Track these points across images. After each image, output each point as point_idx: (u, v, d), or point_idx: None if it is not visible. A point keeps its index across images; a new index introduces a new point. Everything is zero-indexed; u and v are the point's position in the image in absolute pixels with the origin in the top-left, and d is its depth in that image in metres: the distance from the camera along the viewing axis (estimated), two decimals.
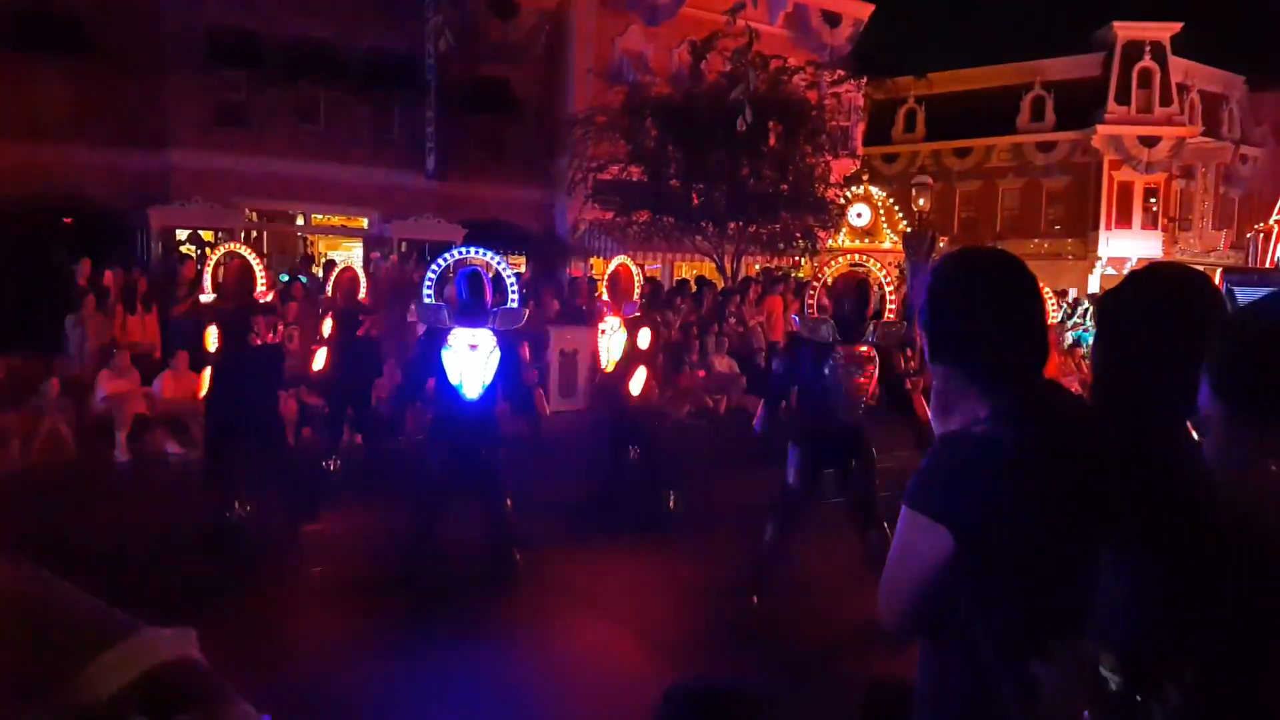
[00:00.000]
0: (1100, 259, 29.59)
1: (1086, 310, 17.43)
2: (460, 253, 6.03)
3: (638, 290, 7.48)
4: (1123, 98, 29.18)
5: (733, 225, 16.93)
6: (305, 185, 17.40)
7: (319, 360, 8.12)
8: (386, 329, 9.27)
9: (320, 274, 13.28)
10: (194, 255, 15.60)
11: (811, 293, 5.49)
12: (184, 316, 8.23)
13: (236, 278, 6.32)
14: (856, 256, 6.40)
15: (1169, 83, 29.15)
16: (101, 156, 15.29)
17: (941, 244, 18.36)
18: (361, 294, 8.40)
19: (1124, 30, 29.18)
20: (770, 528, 5.06)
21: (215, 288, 6.46)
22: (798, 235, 17.71)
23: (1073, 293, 21.79)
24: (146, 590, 5.37)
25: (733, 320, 13.97)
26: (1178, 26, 29.03)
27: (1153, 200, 30.17)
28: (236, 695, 0.72)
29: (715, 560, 5.91)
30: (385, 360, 9.03)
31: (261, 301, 6.41)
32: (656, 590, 5.55)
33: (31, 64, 14.76)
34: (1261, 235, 13.97)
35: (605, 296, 7.46)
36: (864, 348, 4.90)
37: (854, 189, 21.01)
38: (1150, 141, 29.22)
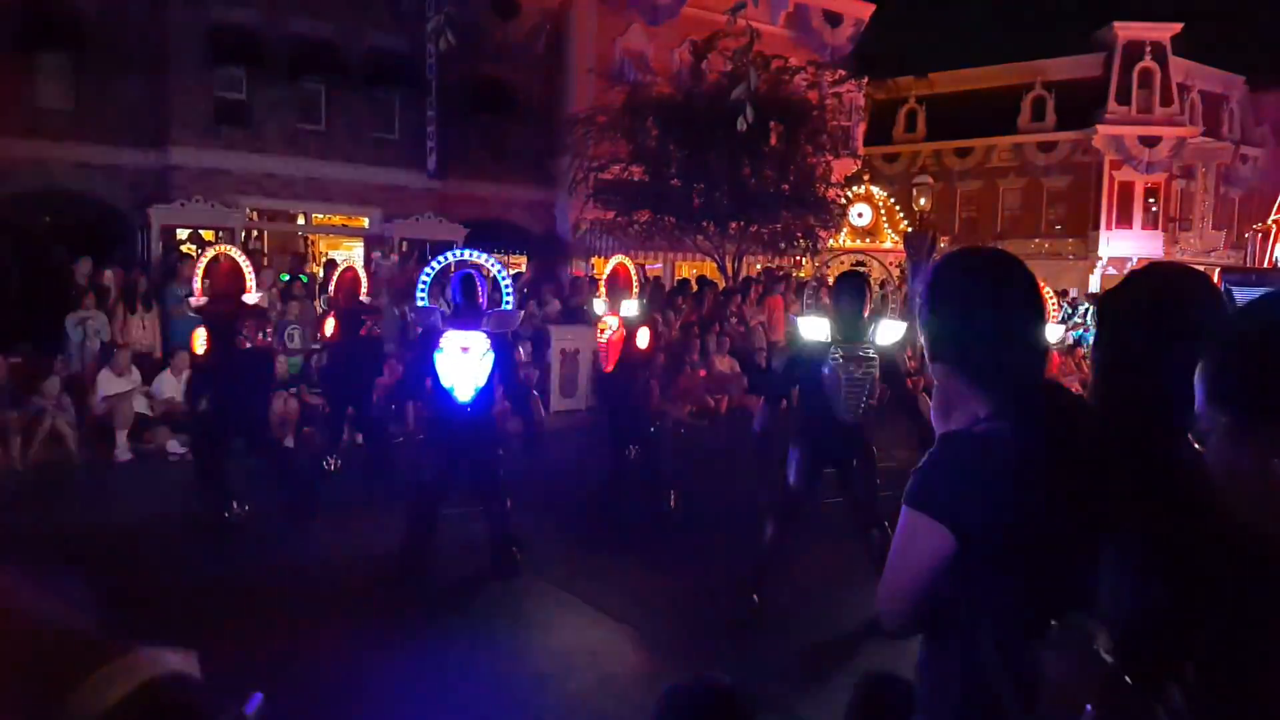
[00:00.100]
0: (1101, 259, 29.59)
1: (1087, 310, 17.44)
2: (455, 254, 6.02)
3: (636, 288, 7.49)
4: (1123, 98, 29.18)
5: (734, 225, 16.94)
6: (306, 184, 17.39)
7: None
8: (388, 328, 9.29)
9: (321, 273, 13.29)
10: (194, 254, 15.62)
11: (811, 292, 5.49)
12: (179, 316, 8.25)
13: (226, 280, 6.32)
14: (855, 260, 6.39)
15: (1169, 83, 29.14)
16: (102, 155, 15.28)
17: (942, 244, 18.37)
18: (363, 293, 8.41)
19: (1124, 30, 29.18)
20: (770, 527, 5.07)
21: (204, 289, 6.46)
22: (799, 235, 17.71)
23: (1073, 293, 21.79)
24: (147, 590, 5.38)
25: (734, 320, 13.98)
26: (1178, 27, 29.03)
27: (1153, 200, 30.17)
28: (233, 709, 0.73)
29: (715, 560, 5.91)
30: (386, 360, 9.03)
31: (251, 303, 6.41)
32: (656, 589, 5.55)
33: (32, 62, 14.76)
34: (1260, 235, 13.98)
35: (604, 295, 7.47)
36: (864, 347, 4.89)
37: (855, 189, 21.01)
38: (1151, 141, 29.22)
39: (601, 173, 16.60)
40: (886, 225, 23.40)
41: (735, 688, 2.03)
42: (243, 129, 16.58)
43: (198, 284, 6.51)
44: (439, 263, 5.77)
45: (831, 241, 20.98)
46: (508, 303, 5.56)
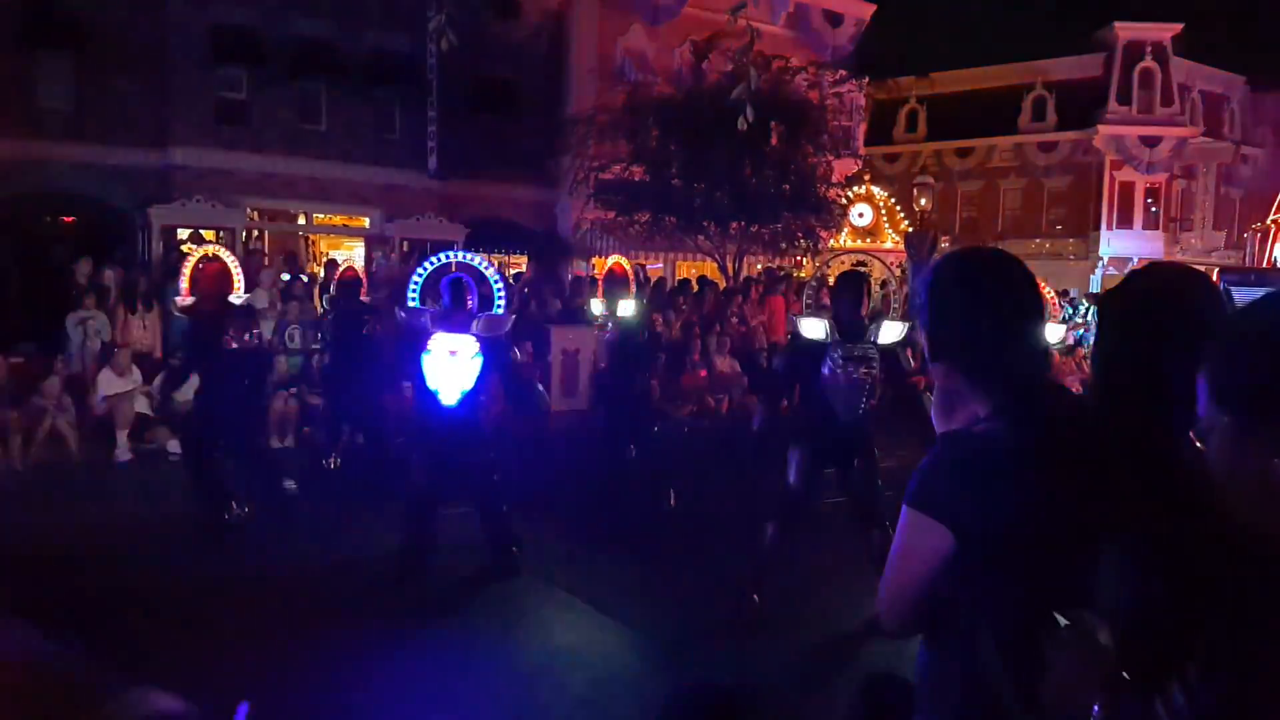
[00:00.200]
0: (1101, 259, 29.58)
1: (1087, 310, 17.43)
2: (447, 256, 5.97)
3: (634, 287, 7.50)
4: (1124, 98, 29.17)
5: (734, 225, 16.94)
6: (307, 184, 17.40)
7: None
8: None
9: (322, 273, 13.29)
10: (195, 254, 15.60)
11: (810, 292, 5.48)
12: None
13: (214, 281, 6.32)
14: (855, 262, 6.38)
15: (1170, 83, 29.13)
16: (102, 155, 15.28)
17: (943, 244, 18.38)
18: (363, 294, 8.42)
19: (1125, 31, 29.17)
20: (770, 527, 5.06)
21: (191, 290, 6.45)
22: (799, 235, 17.71)
23: (1074, 293, 21.77)
24: (146, 589, 5.39)
25: (735, 320, 13.98)
26: (1179, 27, 29.02)
27: (1154, 201, 30.15)
28: None
29: (716, 560, 5.91)
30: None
31: (237, 304, 6.40)
32: (657, 589, 5.55)
33: (33, 62, 14.76)
34: (1259, 235, 13.99)
35: (600, 295, 7.48)
36: (864, 347, 4.89)
37: (856, 189, 21.00)
38: (1151, 142, 29.20)
39: (602, 173, 16.60)
40: (887, 225, 23.40)
41: (736, 694, 2.04)
42: (243, 129, 16.58)
43: (184, 284, 6.50)
44: (431, 263, 5.73)
45: (832, 242, 20.97)
46: (499, 306, 5.54)
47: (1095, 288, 27.92)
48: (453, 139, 18.42)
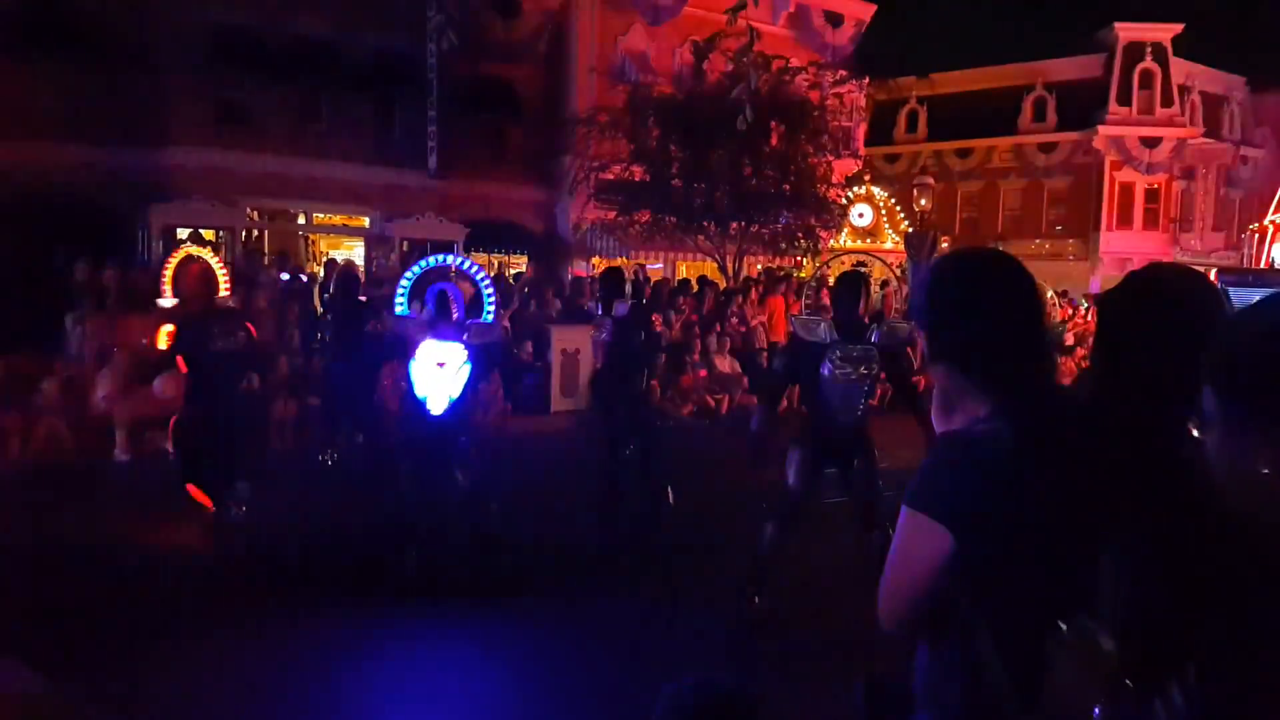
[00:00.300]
0: (1101, 260, 29.58)
1: (1087, 310, 17.44)
2: (436, 261, 5.87)
3: (629, 287, 7.49)
4: (1124, 99, 29.17)
5: (735, 225, 16.94)
6: (306, 184, 17.39)
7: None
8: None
9: (321, 273, 13.29)
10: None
11: (810, 293, 5.49)
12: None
13: (197, 282, 6.30)
14: (854, 264, 6.37)
15: (1170, 84, 29.13)
16: (102, 155, 15.27)
17: (943, 244, 18.38)
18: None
19: (1125, 31, 29.17)
20: (770, 527, 5.05)
21: (174, 292, 6.44)
22: (799, 235, 17.71)
23: (1073, 293, 21.77)
24: (144, 589, 5.39)
25: (735, 320, 13.99)
26: (1179, 28, 29.02)
27: (1154, 201, 30.15)
28: None
29: (715, 560, 5.90)
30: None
31: (222, 305, 6.39)
32: (656, 589, 5.54)
33: (32, 62, 14.75)
34: (1256, 235, 14.01)
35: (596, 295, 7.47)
36: (864, 348, 4.88)
37: (856, 189, 21.01)
38: (1151, 142, 29.20)
39: (602, 173, 16.60)
40: (887, 226, 23.40)
41: (738, 689, 2.03)
42: (243, 128, 16.57)
43: (166, 287, 6.48)
44: (419, 268, 5.65)
45: (832, 242, 20.97)
46: (489, 313, 5.50)
47: (1095, 288, 27.92)
48: (452, 139, 18.41)
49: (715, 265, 17.92)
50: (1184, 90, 29.56)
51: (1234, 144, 32.10)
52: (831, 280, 5.58)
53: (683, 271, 19.76)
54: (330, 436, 8.45)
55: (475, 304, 5.74)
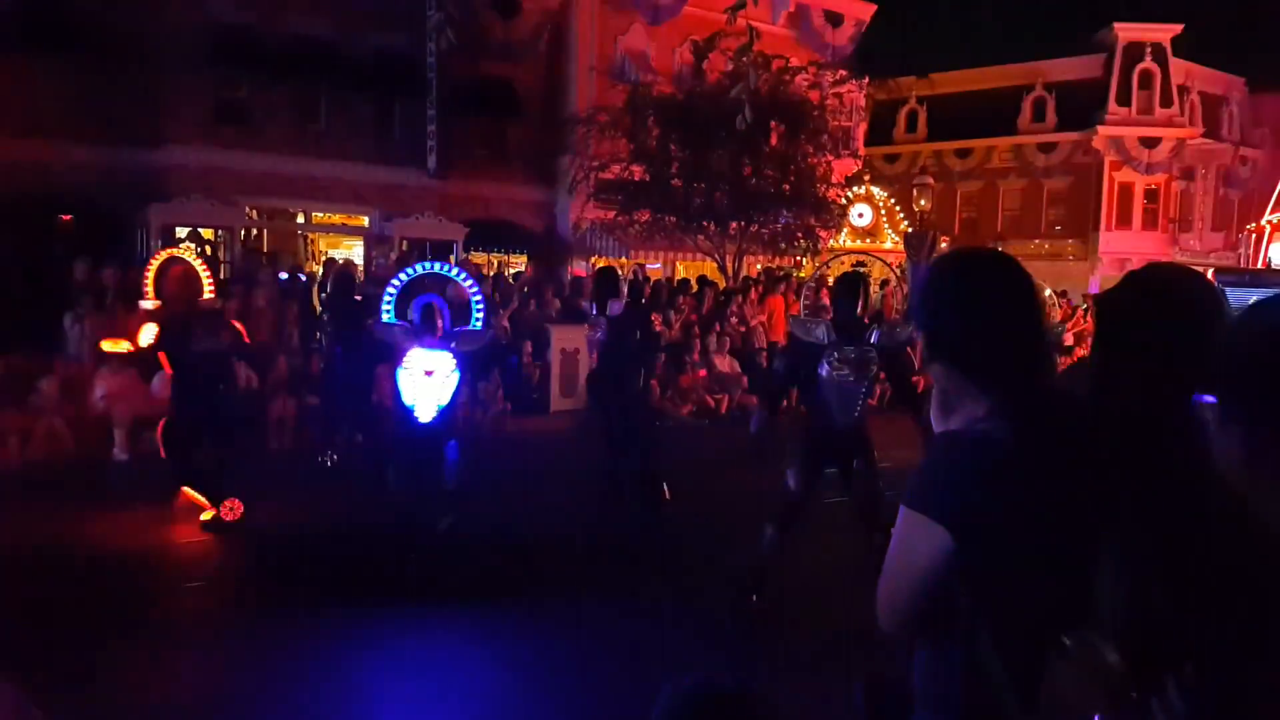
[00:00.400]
0: (1100, 260, 29.60)
1: (1086, 310, 17.44)
2: (424, 268, 5.77)
3: (623, 286, 7.48)
4: (1123, 99, 29.18)
5: (734, 225, 16.94)
6: (306, 183, 17.38)
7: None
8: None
9: (320, 272, 13.28)
10: (194, 253, 15.59)
11: (809, 294, 5.48)
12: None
13: (178, 284, 6.29)
14: (854, 264, 6.36)
15: (1169, 84, 29.14)
16: (101, 154, 15.26)
17: (942, 244, 18.37)
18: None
19: (1125, 31, 29.18)
20: (770, 529, 5.05)
21: (156, 293, 6.42)
22: (799, 235, 17.72)
23: (1072, 293, 21.77)
24: (146, 589, 5.38)
25: (734, 320, 13.98)
26: (1179, 28, 29.03)
27: (1153, 202, 30.16)
28: None
29: (714, 559, 5.90)
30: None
31: (205, 305, 6.37)
32: (654, 589, 5.54)
33: (31, 61, 14.73)
34: (1253, 235, 14.03)
35: (589, 294, 7.47)
36: (862, 349, 4.87)
37: (855, 189, 21.01)
38: (1151, 143, 29.21)
39: (602, 172, 16.60)
40: (887, 225, 23.41)
41: (739, 689, 2.03)
42: (242, 128, 16.56)
43: (149, 288, 6.46)
44: (406, 276, 5.56)
45: (832, 242, 20.97)
46: (477, 320, 5.46)
47: (1094, 288, 27.93)
48: (452, 138, 18.41)
49: (715, 265, 17.92)
50: (1183, 90, 29.57)
51: (1233, 144, 32.11)
52: (831, 280, 5.57)
53: (681, 271, 19.76)
54: (330, 437, 8.44)
55: (465, 311, 5.70)
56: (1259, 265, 13.41)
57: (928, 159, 31.06)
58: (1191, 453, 1.54)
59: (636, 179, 16.74)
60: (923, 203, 18.95)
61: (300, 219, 18.56)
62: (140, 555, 5.90)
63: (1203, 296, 1.67)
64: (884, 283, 17.15)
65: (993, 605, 1.53)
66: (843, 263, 15.56)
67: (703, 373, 12.53)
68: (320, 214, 18.66)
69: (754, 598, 5.04)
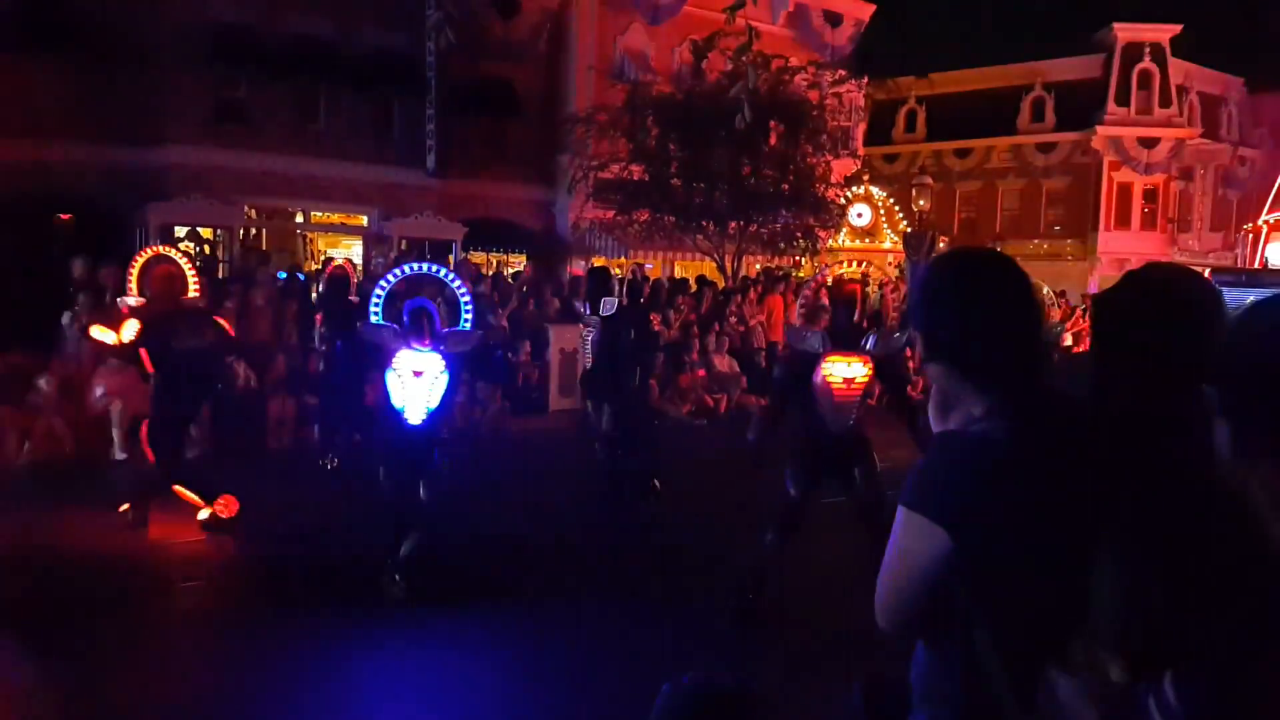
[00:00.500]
0: (1099, 260, 29.61)
1: (1085, 310, 17.45)
2: (411, 269, 5.68)
3: (616, 285, 7.48)
4: (1122, 99, 29.19)
5: (733, 224, 16.94)
6: (305, 182, 17.37)
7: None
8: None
9: (317, 270, 13.27)
10: (193, 253, 15.59)
11: (804, 302, 5.43)
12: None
13: (164, 282, 6.28)
14: (853, 264, 6.32)
15: (1168, 84, 29.15)
16: (100, 153, 15.25)
17: (941, 244, 18.39)
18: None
19: (1124, 32, 29.19)
20: (770, 535, 5.03)
21: (140, 291, 6.40)
22: (798, 235, 17.72)
23: (1072, 293, 21.79)
24: (144, 589, 5.38)
25: (733, 319, 13.99)
26: (1178, 28, 29.04)
27: (1151, 202, 30.17)
28: None
29: (714, 558, 5.90)
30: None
31: (190, 304, 6.35)
32: (653, 589, 5.54)
33: (30, 60, 14.72)
34: (1251, 236, 14.06)
35: (583, 294, 7.46)
36: (855, 357, 4.85)
37: (854, 189, 21.01)
38: (1150, 143, 29.23)
39: (601, 172, 16.60)
40: (886, 225, 23.41)
41: (739, 688, 2.03)
42: (241, 127, 16.55)
43: (132, 285, 6.44)
44: (395, 276, 5.48)
45: (831, 241, 20.98)
46: (466, 321, 5.42)
47: (1093, 288, 27.94)
48: (451, 137, 18.40)
49: (714, 265, 17.92)
50: (1182, 91, 29.58)
51: (1232, 145, 32.13)
52: (830, 281, 5.55)
53: (679, 271, 19.77)
54: (330, 438, 8.43)
55: (456, 311, 5.63)
56: (1256, 265, 13.43)
57: (927, 159, 31.07)
58: (1190, 452, 1.55)
59: (635, 179, 16.74)
60: (922, 203, 18.96)
61: (299, 218, 18.55)
62: (139, 555, 5.90)
63: (1201, 297, 1.68)
64: (882, 284, 16.98)
65: (991, 605, 1.53)
66: (841, 264, 15.54)
67: (701, 372, 12.53)
68: (319, 213, 18.65)
69: (750, 595, 5.03)
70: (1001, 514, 1.50)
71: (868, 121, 24.27)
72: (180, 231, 15.79)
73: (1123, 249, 28.81)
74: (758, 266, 19.20)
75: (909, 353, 9.48)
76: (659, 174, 16.62)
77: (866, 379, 4.84)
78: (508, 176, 19.34)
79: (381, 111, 18.16)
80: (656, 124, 16.59)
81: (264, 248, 17.22)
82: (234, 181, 16.32)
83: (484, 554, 5.90)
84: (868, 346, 4.90)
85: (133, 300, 6.43)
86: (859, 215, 22.82)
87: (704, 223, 16.88)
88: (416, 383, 5.08)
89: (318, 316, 8.39)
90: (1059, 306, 16.70)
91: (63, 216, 14.53)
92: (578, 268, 18.58)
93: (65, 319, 9.42)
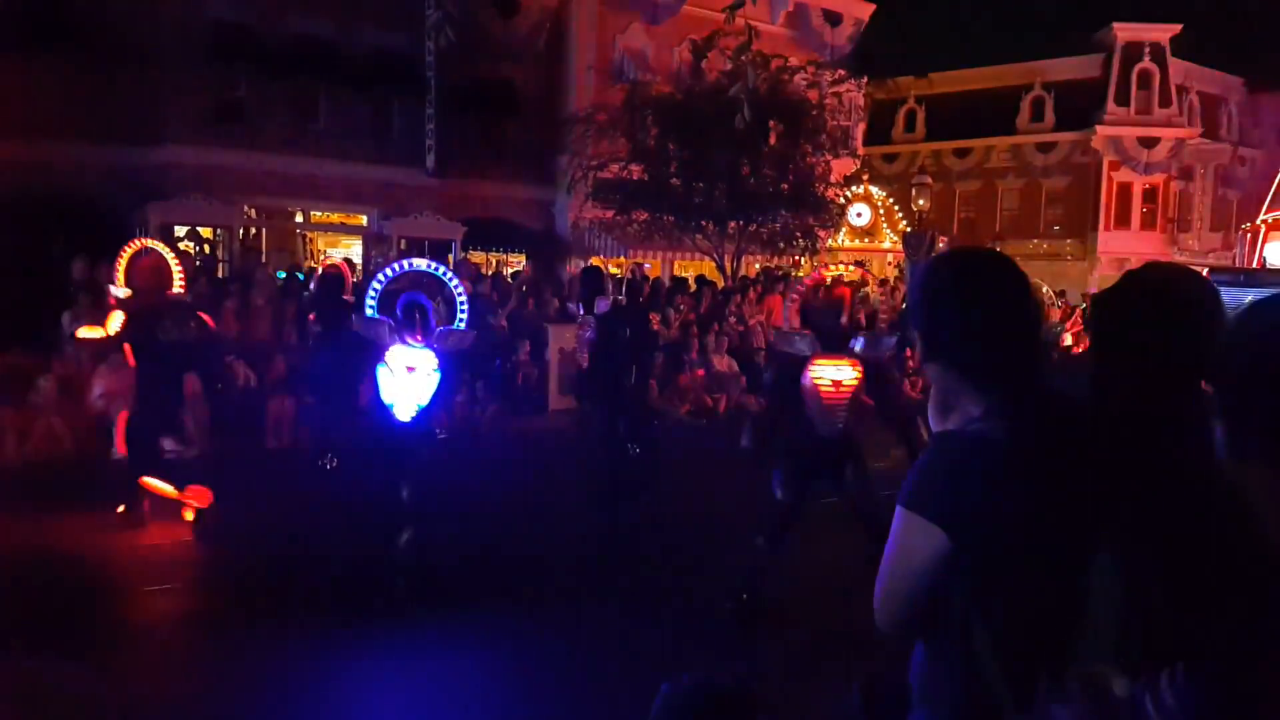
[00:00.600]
0: (1099, 259, 29.63)
1: (1084, 310, 17.46)
2: (409, 265, 5.62)
3: (609, 283, 7.48)
4: (1122, 99, 29.20)
5: (733, 224, 16.95)
6: (304, 182, 17.36)
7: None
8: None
9: (314, 269, 13.26)
10: (192, 252, 15.60)
11: (793, 303, 5.39)
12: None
13: (149, 275, 6.28)
14: (841, 267, 6.29)
15: (1168, 84, 29.16)
16: (100, 153, 15.24)
17: (941, 244, 18.38)
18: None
19: (1124, 31, 29.20)
20: (760, 540, 5.02)
21: (126, 283, 6.40)
22: (798, 235, 17.73)
23: (1071, 293, 21.80)
24: (143, 589, 5.38)
25: (733, 319, 13.99)
26: (1177, 28, 29.05)
27: (1151, 202, 30.18)
28: None
29: (713, 558, 5.90)
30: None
31: (174, 298, 6.35)
32: (654, 589, 5.54)
33: (30, 60, 14.71)
34: (1249, 235, 14.06)
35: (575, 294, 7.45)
36: (842, 360, 4.83)
37: (854, 189, 21.03)
38: (1149, 142, 29.24)
39: (601, 171, 16.60)
40: (885, 225, 23.42)
41: (738, 688, 2.03)
42: (241, 126, 16.55)
43: (118, 276, 6.44)
44: (392, 272, 5.42)
45: (830, 241, 20.99)
46: (461, 320, 5.38)
47: (1093, 288, 27.94)
48: (451, 137, 18.40)
49: (713, 264, 17.92)
50: (1182, 90, 29.60)
51: (1232, 144, 32.14)
52: (829, 280, 5.53)
53: (679, 270, 19.77)
54: (328, 439, 8.42)
55: (452, 310, 5.59)
56: (1254, 264, 13.43)
57: (926, 159, 31.08)
58: (1190, 452, 1.55)
59: (635, 178, 16.74)
60: (921, 202, 18.96)
61: (299, 218, 18.55)
62: (136, 554, 5.90)
63: (1201, 296, 1.68)
64: (881, 282, 17.08)
65: (989, 605, 1.53)
66: (839, 264, 15.57)
67: (701, 372, 12.54)
68: (319, 213, 18.65)
69: (744, 595, 5.02)
70: (1000, 514, 1.50)
71: (867, 121, 24.28)
72: (180, 231, 15.79)
73: (1122, 249, 28.82)
74: (757, 266, 19.21)
75: (909, 352, 9.50)
76: (658, 174, 16.62)
77: (855, 382, 4.81)
78: (507, 176, 19.34)
79: (381, 111, 18.16)
80: (656, 124, 16.59)
81: (263, 247, 17.22)
82: (234, 181, 16.32)
83: (483, 554, 5.89)
84: (856, 349, 4.88)
85: (120, 292, 6.43)
86: (858, 215, 22.83)
87: (703, 222, 16.88)
88: (408, 379, 5.03)
89: (310, 315, 8.37)
90: (1059, 306, 16.73)
91: (62, 217, 14.53)
92: (577, 267, 18.59)
93: (65, 319, 9.42)
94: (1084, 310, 17.54)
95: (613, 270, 15.89)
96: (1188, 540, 1.44)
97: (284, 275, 12.36)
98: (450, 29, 17.30)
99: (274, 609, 5.04)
